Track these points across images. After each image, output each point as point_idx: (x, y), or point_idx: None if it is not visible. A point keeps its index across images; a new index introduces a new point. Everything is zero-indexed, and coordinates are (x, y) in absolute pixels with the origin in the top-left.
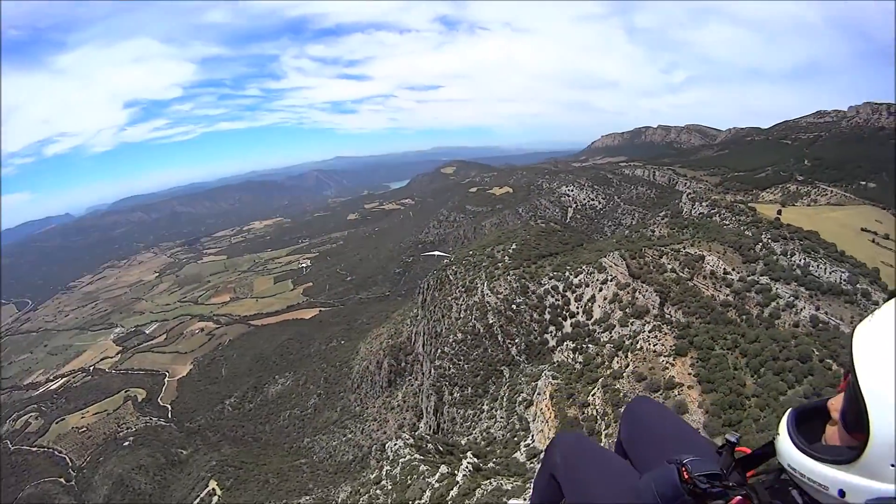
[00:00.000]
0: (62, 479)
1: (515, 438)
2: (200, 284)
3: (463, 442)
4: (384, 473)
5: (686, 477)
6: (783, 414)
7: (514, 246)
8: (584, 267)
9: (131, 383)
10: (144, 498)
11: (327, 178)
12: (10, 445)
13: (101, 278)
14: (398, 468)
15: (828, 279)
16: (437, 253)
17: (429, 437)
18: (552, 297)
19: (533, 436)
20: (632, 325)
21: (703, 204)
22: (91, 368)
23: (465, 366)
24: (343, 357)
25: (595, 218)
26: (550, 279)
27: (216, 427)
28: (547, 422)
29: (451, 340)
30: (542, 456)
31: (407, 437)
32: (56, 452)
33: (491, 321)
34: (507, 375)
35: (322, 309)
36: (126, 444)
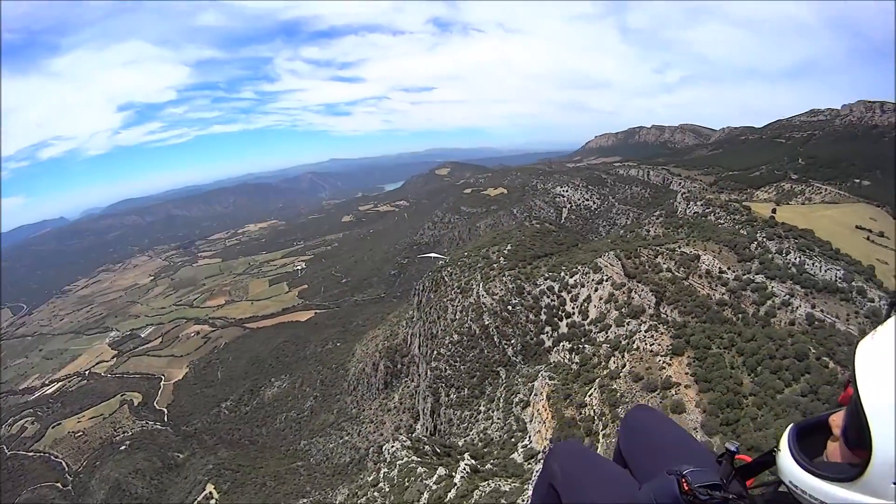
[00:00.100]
0: (59, 484)
1: (513, 439)
2: (195, 287)
3: (460, 443)
4: (382, 476)
5: (686, 488)
6: (783, 430)
7: (509, 247)
8: (579, 267)
9: (127, 387)
10: (141, 502)
11: (322, 181)
12: (6, 450)
13: (96, 282)
14: (395, 470)
15: (823, 277)
16: (433, 255)
17: (426, 439)
18: (548, 297)
19: (530, 436)
20: (628, 324)
21: (698, 203)
22: (87, 372)
23: (462, 367)
24: (339, 359)
25: (590, 218)
26: (546, 280)
27: (213, 430)
28: (544, 422)
29: (446, 342)
30: (540, 459)
31: (404, 439)
32: (52, 457)
33: (487, 322)
34: (504, 376)
35: (317, 311)
36: (122, 448)
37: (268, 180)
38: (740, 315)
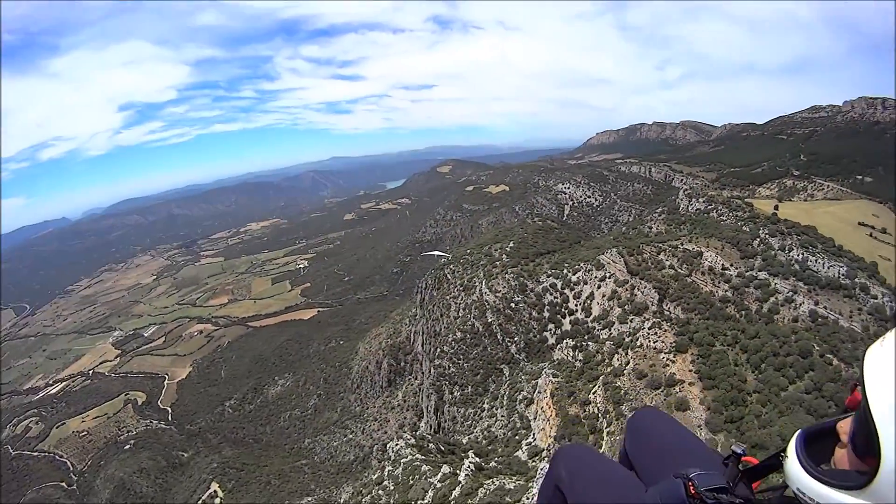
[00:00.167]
0: (64, 484)
1: (517, 437)
2: (198, 286)
3: (464, 441)
4: (386, 474)
5: (693, 492)
6: (787, 427)
7: (511, 244)
8: (582, 264)
9: (131, 386)
10: (146, 501)
11: (323, 179)
12: (10, 451)
13: (98, 282)
14: (400, 468)
15: (826, 274)
16: (436, 253)
17: (430, 437)
18: (551, 294)
19: (534, 434)
20: (631, 322)
21: (700, 200)
22: (90, 372)
23: (465, 364)
24: (342, 357)
25: (592, 215)
26: (549, 277)
27: (217, 429)
28: (548, 420)
29: (450, 339)
30: (545, 456)
31: (408, 436)
32: (57, 457)
33: (490, 319)
34: (507, 374)
35: (320, 309)
36: (127, 447)
37: (269, 179)
38: (743, 312)
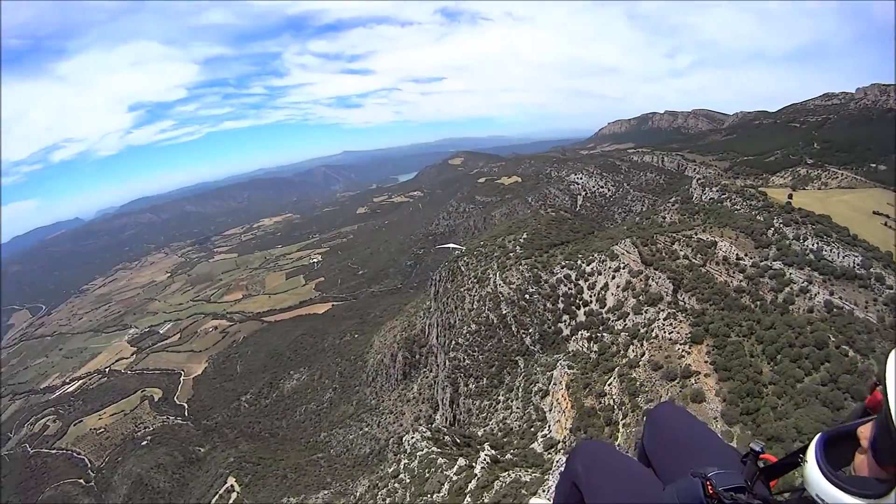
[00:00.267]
0: (82, 481)
1: (532, 429)
2: (212, 283)
3: (480, 433)
4: (402, 467)
5: (710, 491)
6: (809, 436)
7: (524, 235)
8: (595, 255)
9: (147, 383)
10: (164, 496)
11: (335, 173)
12: (28, 449)
13: (113, 280)
14: (416, 461)
15: (841, 263)
16: (451, 245)
17: (446, 430)
18: (565, 285)
19: (550, 426)
20: (646, 312)
21: (714, 189)
22: (107, 370)
23: (480, 357)
24: (357, 351)
25: (605, 205)
26: (562, 268)
27: (233, 424)
28: (563, 412)
29: (464, 331)
30: (560, 449)
31: (424, 429)
32: (75, 454)
33: (504, 311)
34: (522, 365)
35: (335, 303)
36: (144, 443)
37: (281, 174)
38: (758, 302)
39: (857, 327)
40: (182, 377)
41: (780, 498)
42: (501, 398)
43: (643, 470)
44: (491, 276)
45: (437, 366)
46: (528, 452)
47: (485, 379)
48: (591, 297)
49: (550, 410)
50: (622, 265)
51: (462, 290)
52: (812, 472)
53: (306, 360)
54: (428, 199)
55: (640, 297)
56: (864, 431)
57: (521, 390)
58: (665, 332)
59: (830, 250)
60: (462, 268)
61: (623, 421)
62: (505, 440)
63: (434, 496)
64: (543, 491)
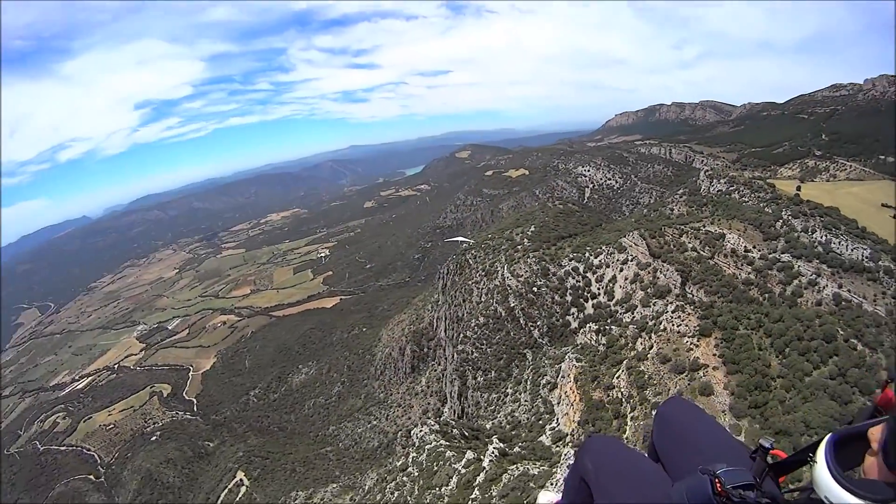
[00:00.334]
0: (91, 477)
1: (540, 422)
2: (220, 278)
3: (488, 426)
4: (410, 460)
5: (719, 489)
6: (820, 437)
7: (532, 228)
8: (603, 247)
9: (156, 379)
10: (173, 491)
11: (342, 168)
12: (38, 446)
13: (121, 277)
14: (424, 455)
15: (850, 256)
16: (459, 238)
17: (454, 423)
18: (573, 278)
19: (558, 419)
20: (654, 305)
21: (721, 181)
22: (116, 366)
23: (488, 349)
24: (365, 344)
25: (612, 197)
26: (570, 260)
27: (242, 418)
28: (572, 405)
29: (472, 324)
30: (569, 442)
31: (432, 423)
32: (85, 450)
33: (512, 304)
34: (531, 358)
35: (343, 297)
36: (153, 438)
37: (288, 169)
38: (767, 295)
39: (865, 321)
40: (191, 372)
41: (789, 497)
42: (510, 391)
43: (652, 466)
44: (499, 268)
45: (446, 359)
46: (536, 445)
47: (493, 372)
48: (599, 289)
49: (558, 403)
50: (630, 257)
51: (470, 283)
52: (822, 473)
53: (314, 354)
54: (435, 193)
55: (649, 290)
56: (875, 433)
57: (529, 383)
58: (673, 325)
59: (839, 243)
60: (470, 261)
61: (631, 414)
62: (513, 433)
63: (442, 489)
64: (551, 484)
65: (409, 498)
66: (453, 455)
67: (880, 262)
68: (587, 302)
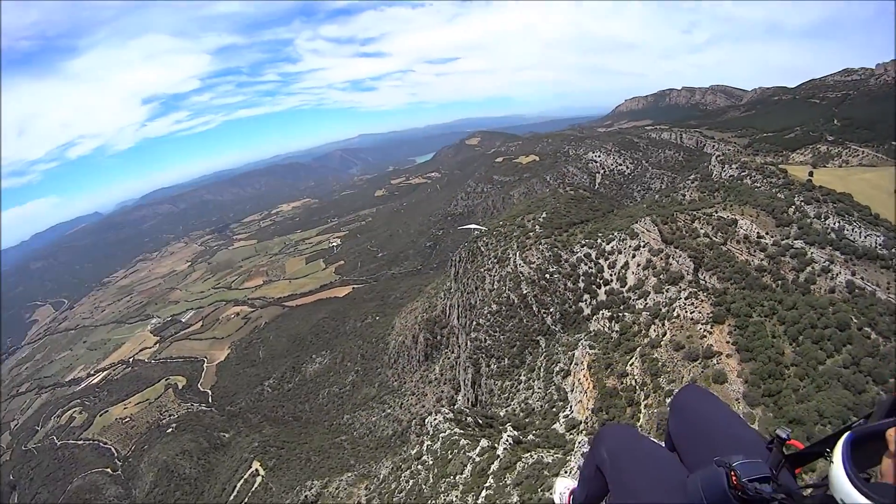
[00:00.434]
0: (108, 470)
1: (554, 409)
2: (233, 270)
3: (502, 414)
4: (425, 448)
5: (735, 482)
6: (837, 430)
7: (544, 214)
8: (615, 233)
9: (171, 371)
10: (190, 482)
11: (352, 157)
12: (56, 441)
13: (134, 272)
14: (438, 443)
15: (863, 243)
16: (472, 226)
17: (468, 411)
18: (585, 264)
19: (571, 406)
20: (667, 291)
21: (733, 166)
22: (131, 360)
23: (501, 337)
24: (379, 333)
25: (624, 183)
26: (582, 247)
27: (256, 409)
28: (585, 392)
29: (485, 312)
30: (582, 430)
31: (446, 411)
32: (101, 444)
33: (525, 291)
34: (544, 345)
35: (355, 286)
36: (169, 430)
37: (298, 160)
38: (780, 282)
39: (879, 309)
40: (205, 364)
41: (805, 494)
42: (523, 378)
43: (667, 456)
44: (511, 255)
45: (459, 347)
46: (549, 433)
47: (506, 359)
48: (611, 275)
49: (572, 391)
50: (642, 244)
51: (482, 270)
52: (838, 474)
53: (328, 343)
54: (446, 180)
55: (661, 276)
56: (892, 435)
57: (542, 370)
58: (686, 312)
59: (852, 229)
60: (482, 248)
61: (645, 402)
62: (527, 421)
63: (457, 478)
64: (565, 473)
65: (423, 486)
66: (467, 443)
67: (894, 250)
68: (600, 288)
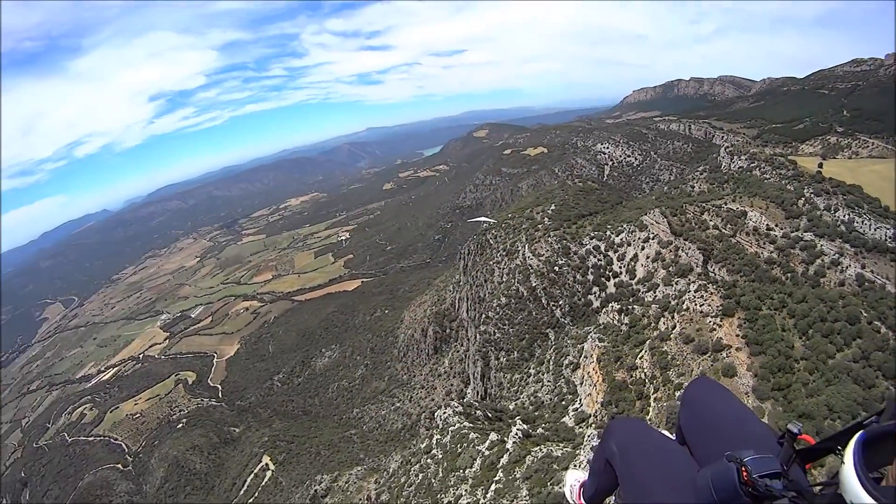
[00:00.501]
0: (119, 466)
1: (563, 402)
2: (242, 265)
3: (511, 407)
4: (434, 442)
5: (745, 478)
6: (850, 435)
7: (552, 207)
8: (624, 225)
9: (181, 367)
10: (200, 477)
11: (360, 150)
12: (67, 438)
13: (143, 268)
14: (448, 437)
15: (873, 236)
16: (481, 218)
17: (477, 404)
18: (594, 257)
19: (581, 399)
20: (676, 284)
21: (742, 158)
22: (141, 356)
23: (510, 330)
24: (388, 326)
25: (632, 175)
26: (591, 239)
27: (266, 403)
28: (595, 385)
29: (494, 305)
30: (591, 423)
31: (455, 404)
32: (112, 440)
33: (534, 284)
34: (553, 338)
35: (364, 280)
36: (179, 426)
37: (306, 154)
38: (789, 274)
39: (889, 303)
40: (215, 359)
41: (816, 489)
42: (532, 371)
43: (677, 449)
44: (520, 248)
45: (468, 340)
46: (559, 426)
47: (515, 352)
48: (620, 268)
49: (581, 384)
50: (651, 235)
51: (491, 263)
52: (849, 475)
53: (337, 337)
54: (454, 173)
55: (671, 269)
56: None
57: (551, 363)
58: (696, 305)
59: (862, 222)
60: (491, 241)
61: (654, 395)
62: (536, 414)
63: (466, 471)
64: (575, 466)
65: (433, 480)
66: (477, 437)
67: None
68: (609, 281)
